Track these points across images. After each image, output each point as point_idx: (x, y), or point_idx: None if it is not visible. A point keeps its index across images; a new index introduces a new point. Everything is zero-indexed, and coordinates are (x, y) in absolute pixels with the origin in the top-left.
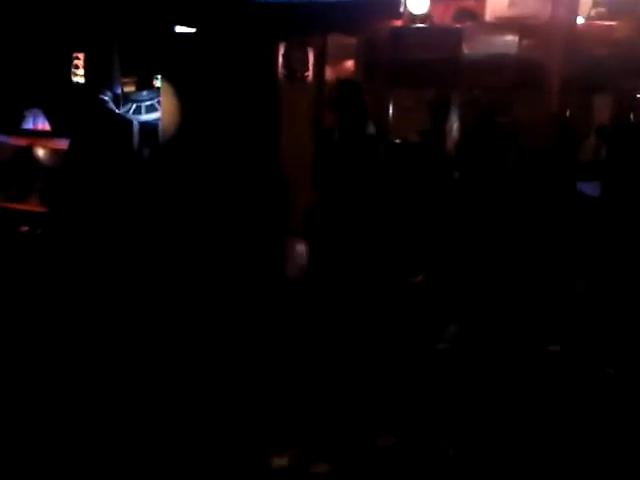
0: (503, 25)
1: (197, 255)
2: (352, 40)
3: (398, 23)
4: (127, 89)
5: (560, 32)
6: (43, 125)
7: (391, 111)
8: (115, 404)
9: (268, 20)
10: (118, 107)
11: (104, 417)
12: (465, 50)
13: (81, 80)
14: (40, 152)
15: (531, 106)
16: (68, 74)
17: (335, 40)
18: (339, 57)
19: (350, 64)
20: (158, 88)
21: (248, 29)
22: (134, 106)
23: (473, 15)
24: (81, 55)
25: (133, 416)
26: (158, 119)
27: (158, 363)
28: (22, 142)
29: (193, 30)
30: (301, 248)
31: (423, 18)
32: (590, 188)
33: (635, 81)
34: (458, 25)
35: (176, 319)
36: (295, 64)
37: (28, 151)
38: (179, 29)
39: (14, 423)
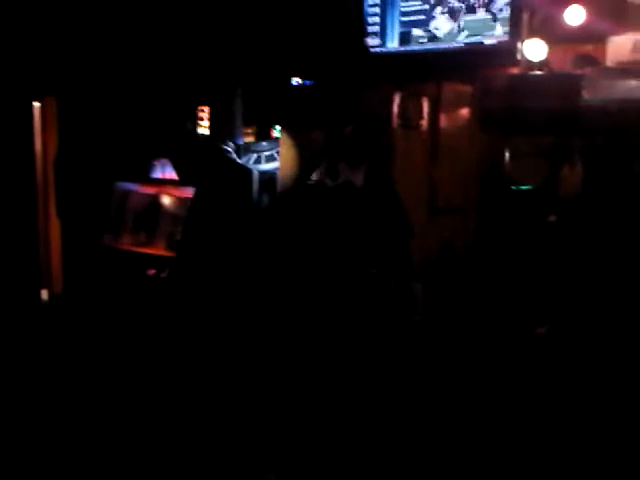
0: (626, 70)
1: (317, 303)
2: (467, 88)
3: (515, 70)
4: (247, 139)
5: None
6: (170, 174)
7: (508, 158)
8: None
9: (384, 70)
10: (239, 157)
11: None
12: (586, 96)
13: (206, 132)
14: (167, 200)
15: None
16: (194, 126)
17: (450, 88)
18: (454, 105)
19: (465, 112)
20: (277, 138)
21: (365, 79)
22: (255, 156)
23: (593, 60)
24: (206, 108)
25: None
26: (277, 168)
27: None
28: (151, 190)
29: (311, 82)
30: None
31: (541, 65)
32: None
33: None
34: (578, 71)
35: (295, 366)
36: (410, 113)
37: (156, 199)
38: (296, 81)
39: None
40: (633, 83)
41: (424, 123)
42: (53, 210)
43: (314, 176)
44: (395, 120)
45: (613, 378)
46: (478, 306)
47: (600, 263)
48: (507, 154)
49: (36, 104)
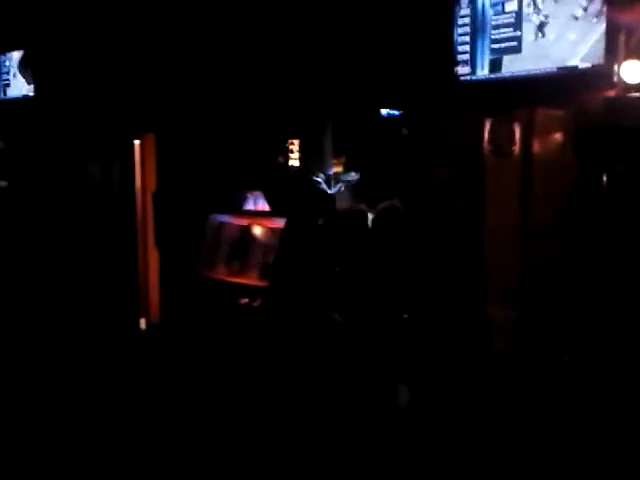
0: None
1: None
2: (562, 113)
3: (611, 93)
4: (337, 169)
5: None
6: (263, 206)
7: (605, 183)
8: None
9: (474, 98)
10: (329, 187)
11: None
12: None
13: (296, 163)
14: (259, 230)
15: None
16: (285, 159)
17: (543, 113)
18: (548, 130)
19: (559, 137)
20: None
21: (454, 108)
22: (344, 186)
23: None
24: (296, 141)
25: None
26: None
27: None
28: (244, 222)
29: (399, 112)
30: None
31: (638, 86)
32: None
33: None
34: None
35: None
36: (501, 139)
37: (249, 230)
38: (385, 111)
39: None
40: None
41: (516, 149)
42: (152, 241)
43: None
44: (486, 147)
45: None
46: (575, 333)
47: None
48: (605, 179)
49: (136, 141)
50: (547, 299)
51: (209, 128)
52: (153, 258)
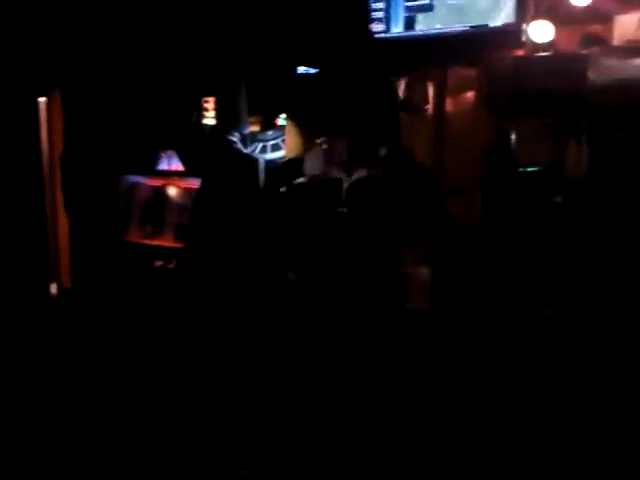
0: (632, 48)
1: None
2: (473, 71)
3: (520, 52)
4: (253, 129)
5: None
6: (176, 166)
7: (514, 141)
8: None
9: (389, 55)
10: (245, 146)
11: None
12: (592, 76)
13: (211, 122)
14: (173, 191)
15: None
16: (199, 117)
17: (455, 72)
18: (460, 89)
19: (471, 95)
20: (282, 127)
21: (369, 66)
22: (260, 145)
23: (600, 40)
24: (211, 99)
25: None
26: (282, 157)
27: None
28: (157, 182)
29: (315, 70)
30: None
31: (546, 46)
32: None
33: None
34: (584, 51)
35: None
36: (415, 98)
37: (162, 190)
38: (301, 69)
39: None
40: (637, 62)
41: (429, 107)
42: (60, 205)
43: (332, 172)
44: (400, 104)
45: (616, 363)
46: (486, 290)
47: (606, 244)
48: (513, 136)
49: (41, 99)
50: (461, 256)
51: (119, 85)
52: (63, 222)
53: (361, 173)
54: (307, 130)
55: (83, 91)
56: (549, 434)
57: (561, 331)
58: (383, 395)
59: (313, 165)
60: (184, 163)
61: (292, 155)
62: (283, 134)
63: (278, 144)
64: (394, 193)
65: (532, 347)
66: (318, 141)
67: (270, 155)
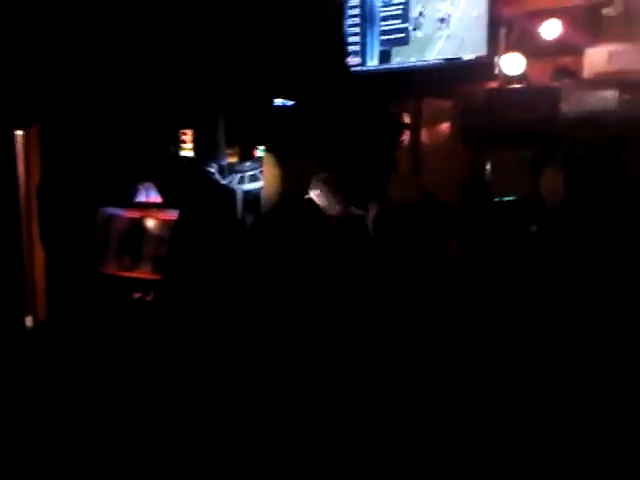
0: (602, 81)
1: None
2: (448, 103)
3: (493, 85)
4: (231, 160)
5: None
6: (154, 198)
7: (489, 172)
8: None
9: (365, 88)
10: (223, 178)
11: None
12: (564, 108)
13: (189, 154)
14: (151, 223)
15: (633, 160)
16: (177, 149)
17: (430, 104)
18: (435, 120)
19: (446, 126)
20: (260, 158)
21: (346, 99)
22: (238, 176)
23: (571, 73)
24: (189, 131)
25: None
26: (261, 188)
27: None
28: (135, 214)
29: (292, 102)
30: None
31: (519, 78)
32: None
33: None
34: (556, 84)
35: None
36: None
37: (140, 222)
38: (279, 101)
39: None
40: (609, 94)
41: (406, 139)
42: (37, 236)
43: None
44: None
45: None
46: (463, 317)
47: (584, 271)
48: (488, 167)
49: (19, 132)
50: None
51: (97, 117)
52: (39, 254)
53: (375, 208)
54: (286, 162)
55: (61, 124)
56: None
57: (537, 359)
58: None
59: (327, 202)
60: (162, 195)
61: (270, 185)
62: (261, 165)
63: (256, 175)
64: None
65: (509, 374)
66: (318, 178)
67: (248, 186)
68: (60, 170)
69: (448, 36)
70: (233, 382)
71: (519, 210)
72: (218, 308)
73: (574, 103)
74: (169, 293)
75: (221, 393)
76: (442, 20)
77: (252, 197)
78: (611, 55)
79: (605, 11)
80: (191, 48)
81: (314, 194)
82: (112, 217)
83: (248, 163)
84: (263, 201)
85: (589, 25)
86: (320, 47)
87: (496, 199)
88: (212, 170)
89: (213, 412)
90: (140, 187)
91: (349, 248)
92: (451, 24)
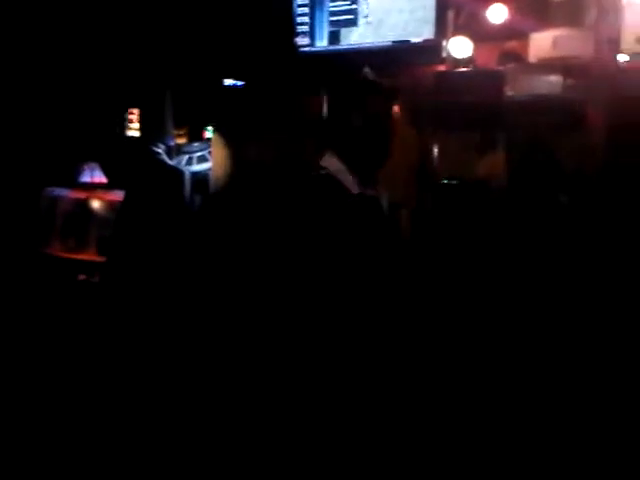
0: (547, 66)
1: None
2: (397, 86)
3: (441, 68)
4: (179, 141)
5: (602, 71)
6: (100, 178)
7: (436, 154)
8: None
9: (314, 69)
10: (171, 158)
11: None
12: (509, 92)
13: (136, 134)
14: (97, 204)
15: (576, 145)
16: (123, 129)
17: None
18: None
19: (395, 109)
20: (209, 139)
21: (295, 79)
22: (186, 157)
23: (517, 57)
24: (135, 110)
25: None
26: (209, 169)
27: None
28: (80, 195)
29: (242, 82)
30: None
31: (466, 62)
32: None
33: None
34: (501, 67)
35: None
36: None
37: (85, 203)
38: (228, 82)
39: None
40: (553, 78)
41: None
42: None
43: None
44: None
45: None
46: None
47: (526, 253)
48: (435, 150)
49: None
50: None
51: (41, 96)
52: None
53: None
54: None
55: (4, 102)
56: None
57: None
58: None
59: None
60: (107, 175)
61: (219, 166)
62: (209, 146)
63: (204, 156)
64: None
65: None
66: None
67: (196, 167)
68: (3, 149)
69: (397, 19)
70: (183, 365)
71: (464, 193)
72: (164, 290)
73: (519, 87)
74: (114, 275)
75: (170, 375)
76: (391, 3)
77: (201, 178)
78: (556, 40)
79: None
80: (137, 26)
81: (334, 169)
82: (57, 198)
83: (197, 144)
84: (211, 182)
85: (535, 10)
86: (269, 27)
87: (443, 182)
88: (159, 151)
89: (162, 395)
90: (85, 167)
91: (373, 228)
92: (400, 7)
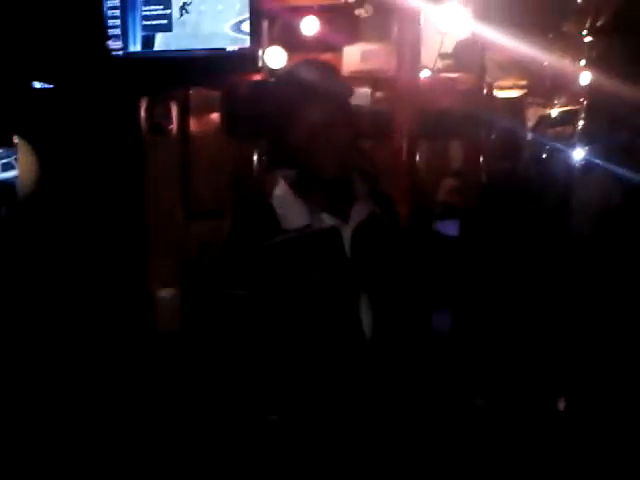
0: (357, 78)
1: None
2: (215, 93)
3: (257, 77)
4: None
5: (406, 84)
6: None
7: (255, 162)
8: None
9: (129, 75)
10: None
11: None
12: None
13: None
14: None
15: (385, 153)
16: None
17: (198, 93)
18: (203, 110)
19: (215, 117)
20: (15, 144)
21: (109, 84)
22: None
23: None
24: None
25: None
26: (16, 177)
27: None
28: None
29: (51, 85)
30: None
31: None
32: (448, 227)
33: (477, 129)
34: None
35: None
36: (158, 117)
37: None
38: (37, 85)
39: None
40: (362, 91)
41: (174, 128)
42: None
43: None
44: (144, 125)
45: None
46: None
47: None
48: (256, 158)
49: None
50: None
51: None
52: None
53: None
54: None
55: None
56: None
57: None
58: None
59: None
60: None
61: (27, 174)
62: (16, 152)
63: (11, 163)
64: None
65: None
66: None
67: (1, 175)
68: None
69: (212, 26)
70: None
71: None
72: None
73: None
74: None
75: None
76: (206, 10)
77: (7, 186)
78: (364, 54)
79: (357, 12)
80: None
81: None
82: None
83: (1, 150)
84: (19, 190)
85: (345, 24)
86: (78, 29)
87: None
88: None
89: None
90: None
91: None
92: (215, 14)
